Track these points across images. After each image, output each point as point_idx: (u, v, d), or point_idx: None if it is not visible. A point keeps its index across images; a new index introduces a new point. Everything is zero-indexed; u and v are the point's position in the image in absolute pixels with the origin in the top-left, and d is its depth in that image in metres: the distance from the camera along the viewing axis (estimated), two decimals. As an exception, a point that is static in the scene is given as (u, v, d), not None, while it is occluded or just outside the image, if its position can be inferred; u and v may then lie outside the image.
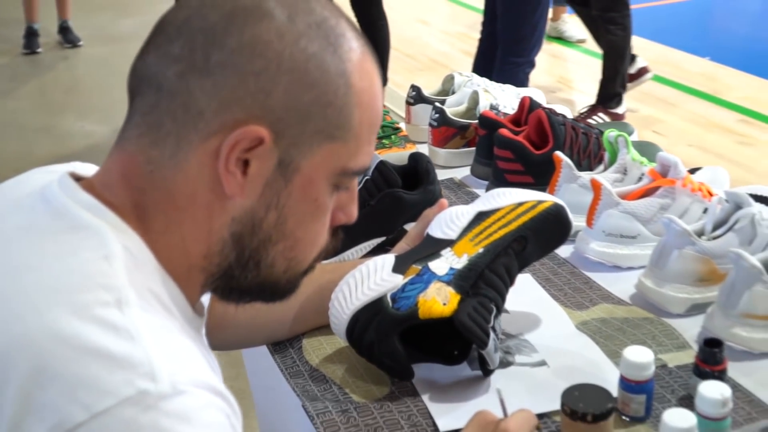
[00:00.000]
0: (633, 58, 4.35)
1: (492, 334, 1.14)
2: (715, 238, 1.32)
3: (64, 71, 5.53)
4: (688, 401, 1.13)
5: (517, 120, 1.73)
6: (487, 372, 1.17)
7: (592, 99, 4.32)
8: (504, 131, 1.63)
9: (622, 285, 1.40)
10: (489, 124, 1.71)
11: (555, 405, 1.12)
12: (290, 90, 0.79)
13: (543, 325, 1.29)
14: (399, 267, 1.18)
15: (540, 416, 1.12)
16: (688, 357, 1.22)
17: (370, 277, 1.17)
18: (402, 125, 1.88)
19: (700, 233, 1.33)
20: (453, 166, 1.81)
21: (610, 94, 4.22)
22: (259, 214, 0.83)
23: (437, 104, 1.81)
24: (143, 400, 0.69)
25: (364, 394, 1.17)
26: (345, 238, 1.00)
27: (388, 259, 1.19)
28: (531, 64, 3.55)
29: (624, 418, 1.11)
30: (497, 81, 2.03)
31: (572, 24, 5.31)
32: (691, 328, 1.28)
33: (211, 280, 0.87)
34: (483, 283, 1.17)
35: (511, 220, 1.22)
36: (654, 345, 1.23)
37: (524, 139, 1.63)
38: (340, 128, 0.84)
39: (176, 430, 0.69)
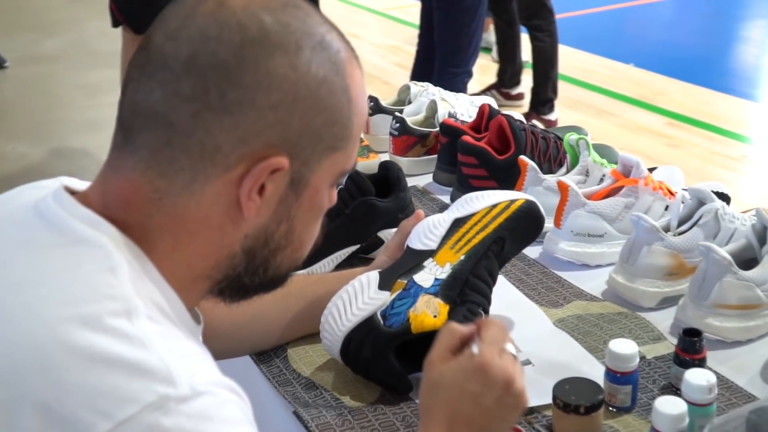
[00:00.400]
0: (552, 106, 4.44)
1: None
2: (680, 233, 1.38)
3: (-9, 93, 5.43)
4: (669, 390, 1.18)
5: (476, 127, 1.77)
6: None
7: (524, 107, 4.43)
8: (467, 138, 1.67)
9: (592, 282, 1.45)
10: (450, 131, 1.74)
11: (544, 400, 1.15)
12: (304, 117, 0.82)
13: (522, 325, 1.33)
14: (384, 283, 1.20)
15: (530, 411, 1.15)
16: (665, 348, 1.26)
17: (358, 297, 1.19)
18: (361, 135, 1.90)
19: (666, 229, 1.38)
20: (415, 174, 1.84)
21: (542, 100, 4.34)
22: (272, 228, 0.86)
23: (397, 114, 1.84)
24: (165, 404, 0.70)
25: (356, 398, 1.19)
26: (322, 246, 1.03)
27: (373, 276, 1.21)
28: (469, 74, 3.61)
29: (611, 408, 1.14)
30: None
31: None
32: (663, 321, 1.33)
33: (217, 288, 0.89)
34: (469, 289, 1.20)
35: (488, 223, 1.25)
36: (631, 338, 1.27)
37: (486, 145, 1.67)
38: (344, 140, 0.87)
39: (199, 430, 0.70)
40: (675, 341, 1.27)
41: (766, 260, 1.27)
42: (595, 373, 1.17)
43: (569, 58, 5.25)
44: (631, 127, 4.43)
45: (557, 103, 4.48)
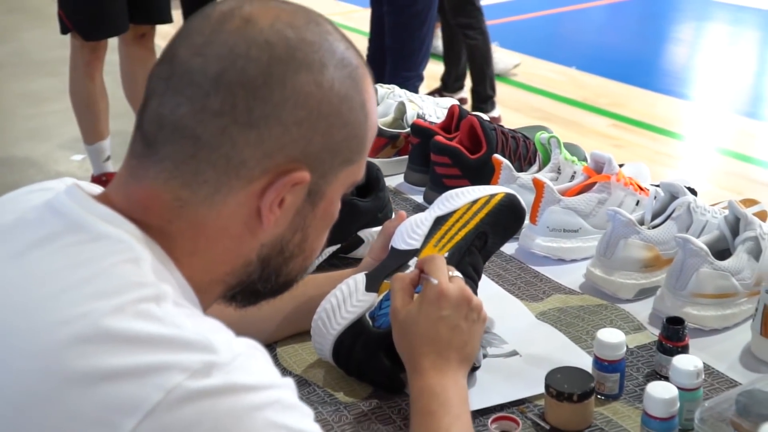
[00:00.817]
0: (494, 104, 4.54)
1: None
2: (654, 227, 1.42)
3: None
4: (654, 377, 1.21)
5: (446, 127, 1.80)
6: (472, 369, 1.22)
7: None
8: (440, 138, 1.70)
9: (569, 276, 1.49)
10: (422, 132, 1.77)
11: (534, 390, 1.18)
12: (326, 132, 0.85)
13: (505, 318, 1.35)
14: (371, 285, 1.22)
15: (522, 401, 1.18)
16: (646, 338, 1.30)
17: (346, 300, 1.20)
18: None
19: (640, 223, 1.42)
20: (386, 174, 1.85)
21: (482, 98, 4.44)
22: (287, 237, 0.89)
23: (367, 115, 1.85)
24: (210, 369, 0.73)
25: (350, 394, 1.20)
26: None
27: (360, 278, 1.23)
28: (420, 78, 3.65)
29: (599, 396, 1.18)
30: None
31: (501, 55, 5.32)
32: (641, 312, 1.37)
33: (230, 293, 0.92)
34: None
35: (469, 219, 1.27)
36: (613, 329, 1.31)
37: (458, 144, 1.70)
38: (358, 153, 0.90)
39: (245, 382, 0.74)
40: (655, 331, 1.32)
41: (740, 250, 1.32)
42: (582, 362, 1.21)
43: (513, 61, 5.33)
44: (577, 129, 4.51)
45: (504, 105, 4.54)
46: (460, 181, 1.67)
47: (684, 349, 1.19)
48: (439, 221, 1.27)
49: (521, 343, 1.29)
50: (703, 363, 1.22)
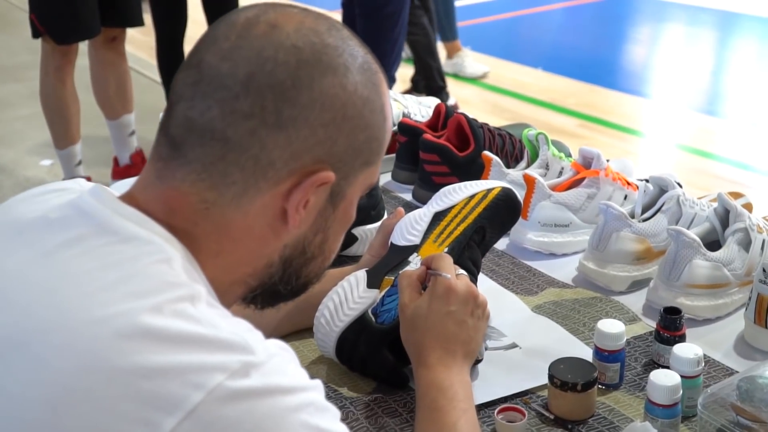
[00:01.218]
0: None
1: None
2: (645, 220, 1.44)
3: None
4: (652, 367, 1.24)
5: (433, 126, 1.81)
6: (475, 362, 1.23)
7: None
8: (428, 136, 1.71)
9: (561, 271, 1.51)
10: (409, 130, 1.78)
11: (537, 381, 1.20)
12: (351, 134, 0.86)
13: (503, 312, 1.37)
14: (372, 282, 1.23)
15: (525, 393, 1.19)
16: (641, 328, 1.33)
17: (347, 297, 1.21)
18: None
19: (631, 216, 1.44)
20: (373, 173, 1.87)
21: (434, 89, 4.48)
22: (309, 239, 0.91)
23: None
24: (248, 369, 0.74)
25: (354, 389, 1.21)
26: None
27: (360, 275, 1.24)
28: (392, 80, 3.66)
29: (600, 386, 1.19)
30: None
31: (471, 60, 5.38)
32: (635, 303, 1.40)
33: (251, 294, 0.93)
34: None
35: (467, 214, 1.29)
36: (609, 320, 1.33)
37: (446, 142, 1.72)
38: (377, 155, 0.92)
39: (282, 384, 0.76)
40: (649, 321, 1.34)
41: (730, 241, 1.35)
42: (581, 353, 1.22)
43: (480, 63, 5.37)
44: (546, 129, 4.43)
45: (473, 107, 4.57)
46: (449, 178, 1.69)
47: (681, 338, 1.21)
48: (438, 217, 1.29)
49: (520, 336, 1.31)
50: (700, 352, 1.25)
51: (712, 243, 1.38)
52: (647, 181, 1.48)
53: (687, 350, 1.13)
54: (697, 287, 1.32)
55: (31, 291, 0.79)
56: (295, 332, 1.32)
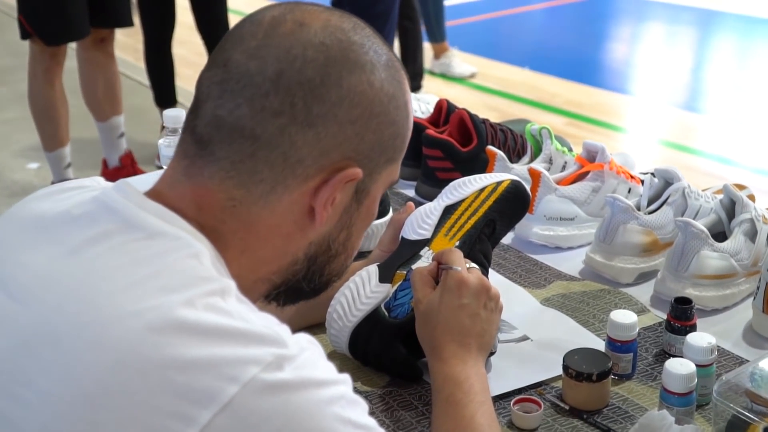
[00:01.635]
0: None
1: None
2: (651, 212, 1.45)
3: None
4: (663, 356, 1.25)
5: (435, 122, 1.82)
6: (489, 355, 1.23)
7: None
8: (431, 132, 1.72)
9: (567, 264, 1.51)
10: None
11: (550, 373, 1.21)
12: (377, 130, 0.87)
13: (512, 305, 1.37)
14: (384, 276, 1.24)
15: (538, 384, 1.20)
16: (650, 319, 1.34)
17: (360, 292, 1.22)
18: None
19: (637, 209, 1.45)
20: (374, 170, 1.87)
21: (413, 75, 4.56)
22: (334, 236, 0.92)
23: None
24: (281, 362, 0.74)
25: (368, 383, 1.21)
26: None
27: (372, 270, 1.24)
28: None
29: (613, 376, 1.20)
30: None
31: (459, 60, 5.39)
32: (642, 295, 1.40)
33: (275, 291, 0.94)
34: None
35: (478, 207, 1.30)
36: (618, 312, 1.34)
37: (449, 137, 1.72)
38: (400, 152, 0.93)
39: (315, 377, 0.76)
40: (658, 312, 1.35)
41: (737, 232, 1.36)
42: (592, 344, 1.23)
43: (468, 63, 5.38)
44: None
45: (461, 106, 4.58)
46: (453, 173, 1.68)
47: (692, 328, 1.22)
48: (449, 210, 1.29)
49: (530, 329, 1.31)
50: (710, 341, 1.26)
51: (718, 234, 1.39)
52: (653, 174, 1.49)
53: (700, 339, 1.14)
54: (706, 278, 1.33)
55: (59, 287, 0.79)
56: (306, 328, 1.32)
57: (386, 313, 1.21)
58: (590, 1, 7.76)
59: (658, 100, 5.14)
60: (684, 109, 5.02)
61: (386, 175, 0.92)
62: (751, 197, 1.57)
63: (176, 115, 1.69)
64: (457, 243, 1.26)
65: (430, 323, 1.12)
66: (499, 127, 1.77)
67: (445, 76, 5.31)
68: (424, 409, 1.16)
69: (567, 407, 1.15)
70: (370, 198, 0.92)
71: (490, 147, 1.62)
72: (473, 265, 1.16)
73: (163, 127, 4.36)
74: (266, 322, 0.78)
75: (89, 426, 0.72)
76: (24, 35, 3.36)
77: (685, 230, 1.33)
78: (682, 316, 1.23)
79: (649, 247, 1.43)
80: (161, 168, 3.86)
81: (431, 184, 1.72)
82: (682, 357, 1.14)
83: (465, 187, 1.32)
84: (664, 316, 1.32)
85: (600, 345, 1.24)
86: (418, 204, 1.35)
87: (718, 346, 1.25)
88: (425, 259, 1.25)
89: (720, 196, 1.45)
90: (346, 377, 0.81)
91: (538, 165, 1.61)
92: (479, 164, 1.65)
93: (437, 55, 5.36)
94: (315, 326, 1.29)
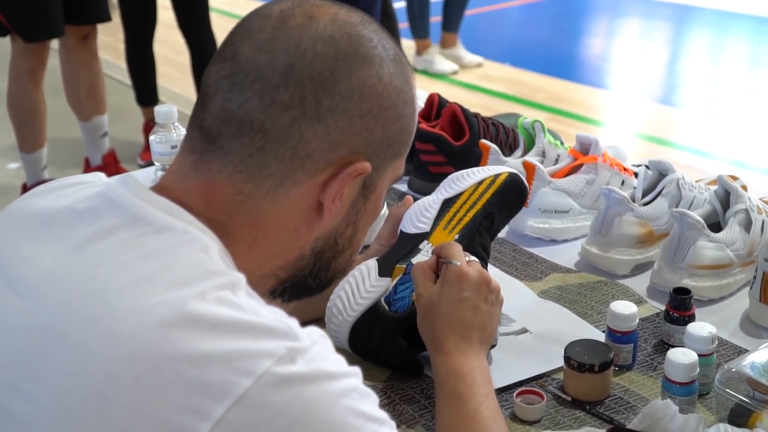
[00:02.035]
0: None
1: None
2: (645, 203, 1.46)
3: None
4: (662, 347, 1.25)
5: (426, 116, 1.82)
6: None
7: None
8: (423, 126, 1.72)
9: (562, 256, 1.52)
10: (403, 121, 1.78)
11: (551, 365, 1.21)
12: (386, 124, 0.87)
13: (509, 298, 1.35)
14: (384, 270, 1.23)
15: (540, 376, 1.20)
16: (648, 310, 1.34)
17: (359, 286, 1.21)
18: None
19: (632, 200, 1.46)
20: (366, 165, 1.87)
21: None
22: (341, 230, 0.91)
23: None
24: (294, 355, 0.73)
25: (369, 378, 1.21)
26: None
27: (371, 264, 1.24)
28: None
29: (614, 367, 1.20)
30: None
31: (441, 57, 5.39)
32: (638, 286, 1.41)
33: (281, 287, 0.93)
34: None
35: (476, 200, 1.29)
36: (616, 303, 1.34)
37: (441, 131, 1.72)
38: (406, 146, 0.93)
39: (328, 370, 0.76)
40: (655, 303, 1.36)
41: (732, 222, 1.37)
42: (592, 336, 1.23)
43: (450, 67, 5.38)
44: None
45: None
46: (445, 167, 1.69)
47: (691, 318, 1.23)
48: (447, 203, 1.29)
49: (528, 321, 1.31)
50: (708, 331, 1.26)
51: (712, 225, 1.40)
52: (647, 166, 1.50)
53: (700, 329, 1.15)
54: (702, 268, 1.34)
55: (66, 283, 0.78)
56: (305, 323, 1.31)
57: (386, 307, 1.21)
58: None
59: (636, 94, 5.17)
60: (661, 103, 5.06)
61: (392, 170, 0.92)
62: (744, 188, 1.57)
63: (167, 111, 1.68)
64: (457, 236, 1.25)
65: (432, 317, 1.11)
66: (491, 122, 1.77)
67: (427, 72, 5.31)
68: (426, 403, 1.15)
69: (569, 398, 1.15)
70: (376, 193, 0.92)
71: (483, 141, 1.61)
72: (473, 258, 1.16)
73: (146, 125, 4.30)
74: (277, 315, 0.77)
75: (101, 422, 0.71)
76: (2, 32, 3.32)
77: (681, 221, 1.33)
78: (681, 306, 1.23)
79: (644, 238, 1.43)
80: (143, 167, 3.83)
81: (424, 178, 1.72)
82: (681, 347, 1.14)
83: (463, 180, 1.31)
84: (662, 307, 1.32)
85: (599, 336, 1.24)
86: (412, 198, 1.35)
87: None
88: (425, 253, 1.25)
89: (713, 187, 1.45)
90: (357, 370, 0.80)
91: (532, 158, 1.61)
92: (472, 158, 1.65)
93: (419, 52, 5.36)
94: (313, 321, 1.28)
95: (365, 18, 0.88)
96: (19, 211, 0.90)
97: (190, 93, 4.33)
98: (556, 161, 1.63)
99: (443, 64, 5.32)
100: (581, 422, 1.12)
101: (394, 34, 4.70)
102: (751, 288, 1.30)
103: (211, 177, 0.84)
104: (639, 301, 1.36)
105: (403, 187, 1.78)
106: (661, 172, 1.48)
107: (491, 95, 5.03)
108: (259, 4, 0.87)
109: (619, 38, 6.78)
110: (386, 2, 4.60)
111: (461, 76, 5.33)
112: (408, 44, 5.31)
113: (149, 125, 4.03)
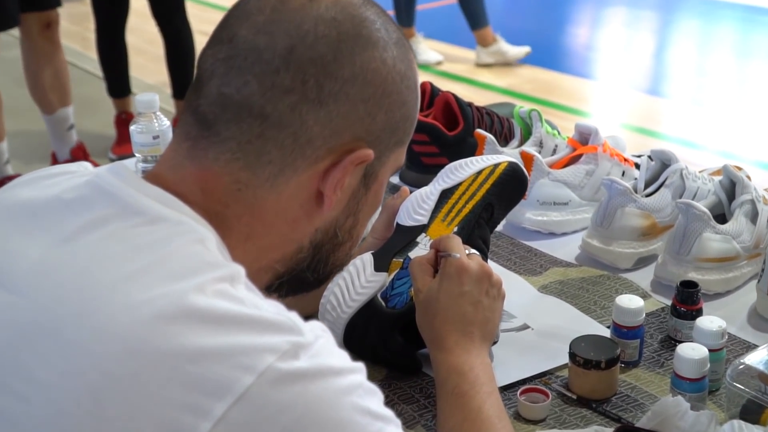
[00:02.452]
0: None
1: None
2: (648, 195, 1.42)
3: None
4: (668, 342, 1.21)
5: (419, 106, 1.77)
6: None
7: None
8: (417, 116, 1.67)
9: (562, 249, 1.47)
10: (395, 111, 1.73)
11: (555, 362, 1.17)
12: (389, 110, 0.83)
13: (509, 294, 1.30)
14: (380, 264, 1.18)
15: (544, 374, 1.16)
16: (652, 305, 1.30)
17: (354, 282, 1.16)
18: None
19: (634, 191, 1.42)
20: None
21: None
22: (340, 222, 0.88)
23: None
24: (297, 350, 0.70)
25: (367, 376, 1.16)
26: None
27: (367, 258, 1.19)
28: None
29: (620, 364, 1.16)
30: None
31: (425, 47, 5.34)
32: (642, 280, 1.37)
33: (278, 281, 0.89)
34: None
35: (475, 190, 1.25)
36: (619, 297, 1.30)
37: (434, 121, 1.67)
38: (408, 134, 0.89)
39: (332, 366, 0.73)
40: (659, 298, 1.32)
41: (738, 214, 1.33)
42: (596, 331, 1.19)
43: (435, 57, 5.34)
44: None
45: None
46: (439, 158, 1.64)
47: (699, 312, 1.19)
48: (445, 194, 1.24)
49: (530, 317, 1.27)
50: (716, 326, 1.23)
51: (717, 216, 1.36)
52: (650, 156, 1.46)
53: (710, 323, 1.11)
54: (708, 261, 1.30)
55: (57, 277, 0.74)
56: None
57: (383, 303, 1.16)
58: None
59: (623, 84, 5.15)
60: (648, 93, 5.04)
61: (394, 159, 0.89)
62: (748, 178, 1.54)
63: (149, 100, 1.61)
64: (456, 228, 1.21)
65: (431, 313, 1.07)
66: (486, 111, 1.72)
67: None
68: (426, 402, 1.11)
69: (574, 396, 1.11)
70: (378, 182, 0.88)
71: (479, 130, 1.57)
72: (473, 251, 1.11)
73: (118, 118, 4.15)
74: (278, 309, 0.73)
75: (95, 420, 0.68)
76: None
77: (686, 212, 1.29)
78: (688, 300, 1.19)
79: (647, 230, 1.39)
80: (114, 160, 3.74)
81: (417, 169, 1.67)
82: (689, 342, 1.10)
83: (462, 170, 1.27)
84: (666, 302, 1.29)
85: (603, 332, 1.20)
86: None
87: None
88: (422, 246, 1.20)
89: (717, 178, 1.41)
90: (361, 366, 0.77)
91: (530, 148, 1.57)
92: (466, 148, 1.61)
93: None
94: (305, 318, 1.24)
95: (367, 0, 0.84)
96: (3, 202, 0.86)
97: (163, 84, 4.23)
98: (554, 151, 1.58)
99: (427, 54, 5.27)
100: (588, 421, 1.08)
101: None
102: (758, 281, 1.27)
103: (207, 165, 0.80)
104: (643, 296, 1.31)
105: (394, 178, 1.73)
106: (663, 162, 1.44)
107: (476, 86, 4.99)
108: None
109: (606, 28, 6.76)
110: None
111: (446, 67, 5.28)
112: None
113: (121, 118, 3.93)
